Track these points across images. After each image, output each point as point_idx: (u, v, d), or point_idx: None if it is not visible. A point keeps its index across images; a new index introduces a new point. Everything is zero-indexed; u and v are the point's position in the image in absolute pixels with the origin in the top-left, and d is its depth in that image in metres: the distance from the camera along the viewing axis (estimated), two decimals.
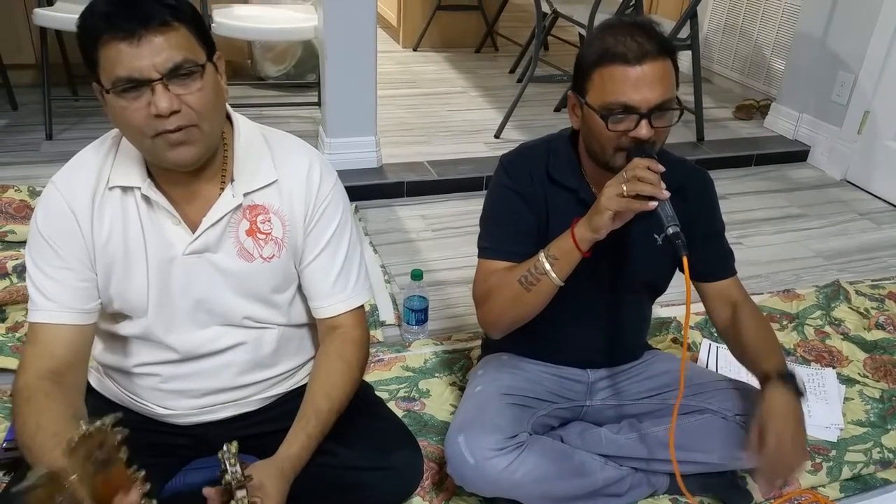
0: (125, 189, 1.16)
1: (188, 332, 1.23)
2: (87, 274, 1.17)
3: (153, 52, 1.02)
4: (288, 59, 3.71)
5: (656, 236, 1.41)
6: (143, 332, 1.23)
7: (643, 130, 1.22)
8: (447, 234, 2.61)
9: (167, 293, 1.20)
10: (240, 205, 1.19)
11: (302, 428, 1.20)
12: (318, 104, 3.50)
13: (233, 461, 1.04)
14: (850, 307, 2.22)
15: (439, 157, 3.08)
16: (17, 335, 1.91)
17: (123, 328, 1.24)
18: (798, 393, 1.32)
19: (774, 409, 1.28)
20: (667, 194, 1.19)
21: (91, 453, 0.88)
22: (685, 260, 1.21)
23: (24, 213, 2.40)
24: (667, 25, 3.33)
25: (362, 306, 1.34)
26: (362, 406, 1.36)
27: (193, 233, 1.18)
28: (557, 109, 3.75)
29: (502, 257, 1.39)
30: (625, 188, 1.19)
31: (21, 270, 2.09)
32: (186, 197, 1.18)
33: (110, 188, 1.16)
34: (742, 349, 1.44)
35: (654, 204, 1.19)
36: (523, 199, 1.38)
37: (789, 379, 1.32)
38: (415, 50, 4.67)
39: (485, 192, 2.89)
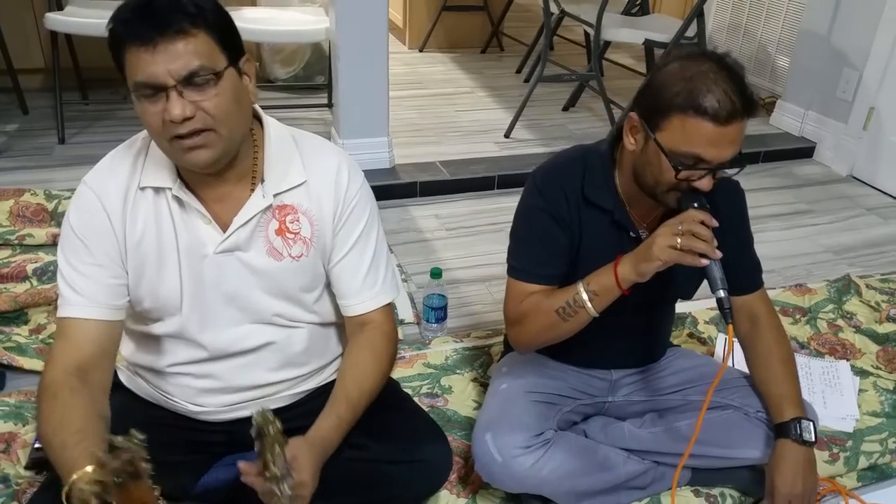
0: (157, 189, 1.18)
1: (221, 330, 1.26)
2: (118, 271, 1.20)
3: (169, 59, 1.04)
4: (297, 61, 3.74)
5: None
6: (177, 330, 1.25)
7: (705, 183, 1.20)
8: (461, 234, 2.64)
9: (200, 290, 1.22)
10: (269, 205, 1.22)
11: (333, 410, 1.22)
12: (328, 106, 3.54)
13: (271, 418, 1.04)
14: (861, 301, 2.25)
15: (450, 158, 3.10)
16: (41, 337, 1.93)
17: (157, 328, 1.26)
18: (810, 442, 1.37)
19: (785, 472, 1.37)
20: (719, 254, 1.18)
21: (119, 466, 0.91)
22: (731, 329, 1.24)
23: (41, 216, 2.42)
24: (672, 24, 3.36)
25: (390, 303, 1.36)
26: (391, 401, 1.38)
27: (224, 232, 1.20)
28: (566, 108, 3.78)
29: (534, 280, 1.37)
30: (679, 242, 1.17)
31: (41, 274, 2.12)
32: (217, 197, 1.20)
33: (142, 188, 1.18)
34: (758, 380, 1.48)
35: (705, 262, 1.18)
36: (556, 220, 1.36)
37: (800, 426, 1.38)
38: (421, 51, 4.70)
39: (497, 191, 2.98)
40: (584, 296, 1.27)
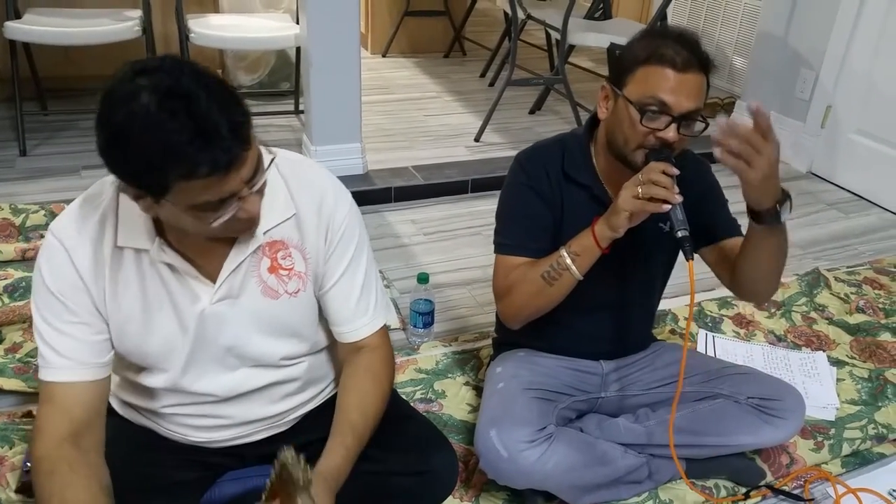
0: (137, 250, 1.11)
1: (217, 378, 1.21)
2: (102, 326, 1.13)
3: (241, 171, 0.98)
4: (262, 67, 3.70)
5: (662, 225, 1.47)
6: (170, 384, 1.20)
7: (671, 133, 1.28)
8: (439, 238, 2.65)
9: (198, 346, 1.17)
10: (259, 245, 1.15)
11: (340, 442, 1.18)
12: (295, 112, 3.51)
13: (301, 462, 1.01)
14: (831, 293, 2.33)
15: (422, 162, 3.11)
16: (18, 356, 1.87)
17: (146, 380, 1.21)
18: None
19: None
20: (679, 199, 1.25)
21: None
22: (691, 265, 1.27)
23: (8, 231, 2.35)
24: (635, 28, 3.43)
25: (384, 325, 1.33)
26: (395, 410, 1.35)
27: (214, 283, 1.14)
28: (532, 112, 3.82)
29: (521, 253, 1.43)
30: (640, 191, 1.25)
31: (12, 290, 2.06)
32: (202, 249, 1.13)
33: (120, 247, 1.10)
34: (750, 271, 1.41)
35: (667, 207, 1.25)
36: (540, 196, 1.43)
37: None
38: (384, 56, 4.69)
39: (471, 194, 2.99)
40: (567, 259, 1.34)
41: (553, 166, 1.44)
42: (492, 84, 4.19)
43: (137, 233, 1.10)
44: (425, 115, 3.73)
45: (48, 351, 1.11)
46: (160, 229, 1.11)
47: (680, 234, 1.27)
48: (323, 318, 1.29)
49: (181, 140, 0.91)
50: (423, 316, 2.01)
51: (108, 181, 1.12)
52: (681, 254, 1.30)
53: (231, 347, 1.19)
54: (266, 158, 1.05)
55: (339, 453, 1.17)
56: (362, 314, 1.27)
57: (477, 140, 3.39)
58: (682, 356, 1.36)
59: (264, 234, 1.16)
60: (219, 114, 0.93)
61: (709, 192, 1.52)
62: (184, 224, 1.03)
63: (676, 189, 1.25)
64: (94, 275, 1.10)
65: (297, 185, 1.19)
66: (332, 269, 1.23)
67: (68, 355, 1.11)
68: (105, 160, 0.96)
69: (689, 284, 1.26)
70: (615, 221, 1.28)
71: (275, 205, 1.16)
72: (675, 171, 1.26)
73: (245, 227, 1.09)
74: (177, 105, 0.91)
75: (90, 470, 1.08)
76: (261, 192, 1.05)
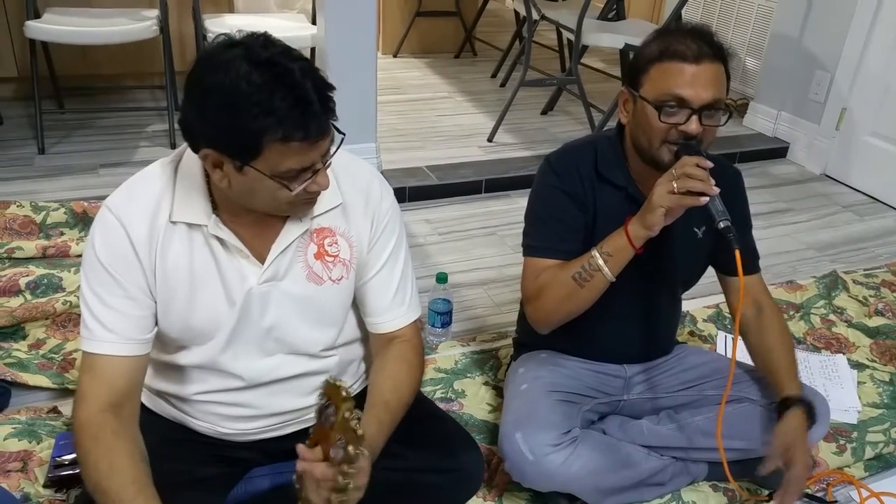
0: (191, 225, 1.15)
1: (253, 360, 1.23)
2: (148, 303, 1.16)
3: (324, 143, 1.05)
4: None
5: (696, 230, 1.47)
6: (207, 361, 1.22)
7: (693, 126, 1.27)
8: (454, 238, 2.65)
9: (241, 324, 1.20)
10: (307, 229, 1.20)
11: (374, 415, 1.19)
12: None
13: (344, 392, 1.00)
14: (849, 296, 2.33)
15: (436, 162, 3.11)
16: (41, 352, 1.88)
17: (183, 358, 1.23)
18: (811, 419, 1.43)
19: (795, 434, 1.40)
20: (716, 190, 1.24)
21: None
22: (738, 253, 1.26)
23: (29, 228, 2.36)
24: (649, 29, 3.42)
25: (417, 318, 1.35)
26: (421, 408, 1.37)
27: (262, 263, 1.18)
28: (544, 112, 3.82)
29: (551, 256, 1.42)
30: (675, 185, 1.24)
31: (34, 287, 2.07)
32: (253, 229, 1.17)
33: (174, 222, 1.14)
34: (763, 363, 1.52)
35: (704, 199, 1.24)
36: (571, 197, 1.42)
37: (805, 405, 1.43)
38: (395, 56, 4.70)
39: (485, 195, 3.00)
40: (600, 260, 1.33)
41: (585, 166, 1.43)
42: (503, 84, 4.20)
43: (195, 209, 1.14)
44: (438, 116, 3.74)
45: (94, 323, 1.14)
46: (215, 207, 1.15)
47: (722, 224, 1.25)
48: (353, 309, 1.31)
49: (283, 106, 0.98)
50: (442, 315, 2.01)
51: (166, 161, 1.17)
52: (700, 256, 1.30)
53: (272, 329, 1.22)
54: (337, 138, 1.10)
55: (373, 425, 1.17)
56: (399, 305, 1.30)
57: (490, 140, 3.40)
58: (731, 362, 1.37)
59: (312, 219, 1.20)
60: (312, 87, 1.00)
61: (738, 208, 1.49)
62: (259, 192, 1.08)
63: (712, 181, 1.24)
64: (147, 249, 1.14)
65: (345, 176, 1.24)
66: (375, 259, 1.27)
67: (113, 329, 1.13)
68: (199, 122, 1.03)
69: (739, 278, 1.27)
70: (650, 219, 1.27)
71: (324, 193, 1.20)
72: (709, 164, 1.25)
73: (309, 203, 1.14)
74: (275, 74, 0.99)
75: (132, 442, 1.12)
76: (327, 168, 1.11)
